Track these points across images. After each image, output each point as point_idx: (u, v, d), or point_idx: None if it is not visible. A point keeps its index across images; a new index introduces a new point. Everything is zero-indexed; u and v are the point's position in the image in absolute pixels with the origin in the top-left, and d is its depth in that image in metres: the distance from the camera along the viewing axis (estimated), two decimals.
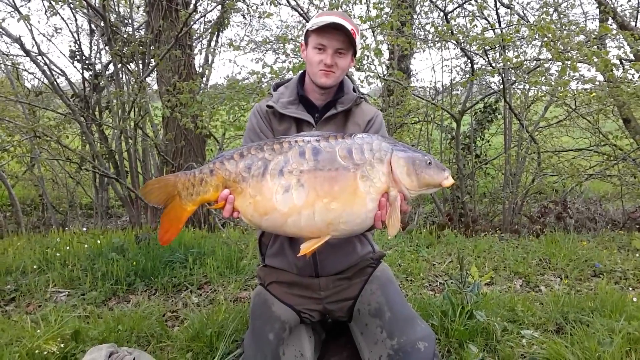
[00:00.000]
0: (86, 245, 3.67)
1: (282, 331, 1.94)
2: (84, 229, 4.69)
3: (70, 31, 6.50)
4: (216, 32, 6.84)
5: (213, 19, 6.69)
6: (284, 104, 2.00)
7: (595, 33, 4.76)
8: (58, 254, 3.53)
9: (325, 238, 1.58)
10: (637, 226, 5.84)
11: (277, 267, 2.08)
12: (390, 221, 1.57)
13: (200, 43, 7.02)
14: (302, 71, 2.09)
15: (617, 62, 4.90)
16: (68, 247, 3.66)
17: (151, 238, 3.82)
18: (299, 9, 5.17)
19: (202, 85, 6.15)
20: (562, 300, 2.92)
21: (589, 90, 5.12)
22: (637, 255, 4.14)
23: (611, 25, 5.89)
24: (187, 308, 2.96)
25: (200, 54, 6.76)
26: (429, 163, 1.61)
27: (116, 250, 3.56)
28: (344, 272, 2.04)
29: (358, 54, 2.43)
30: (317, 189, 1.54)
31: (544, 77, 4.33)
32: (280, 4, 5.49)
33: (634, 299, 2.91)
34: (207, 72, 6.22)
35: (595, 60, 3.53)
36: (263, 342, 1.93)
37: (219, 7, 5.94)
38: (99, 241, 3.75)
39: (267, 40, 6.76)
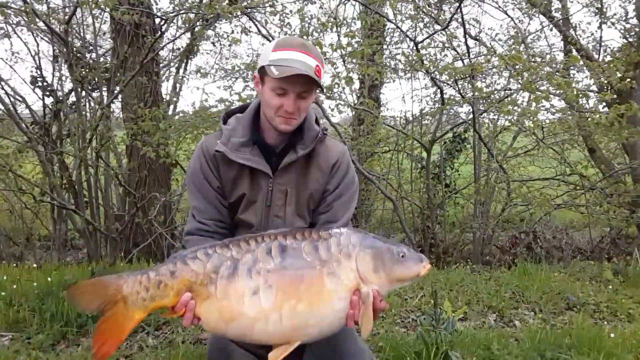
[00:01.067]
0: (35, 284, 3.41)
1: None
2: (34, 265, 4.41)
3: (32, 56, 6.25)
4: (185, 60, 6.72)
5: (182, 47, 6.58)
6: (236, 145, 1.69)
7: (563, 63, 4.82)
8: (3, 294, 3.26)
9: (295, 344, 1.40)
10: (606, 256, 5.86)
11: None
12: (363, 320, 1.39)
13: (168, 70, 6.89)
14: (257, 100, 1.78)
15: (588, 92, 4.96)
16: (15, 286, 3.39)
17: (107, 274, 3.58)
18: (270, 38, 5.11)
19: (170, 112, 5.98)
20: (538, 336, 2.82)
21: (556, 121, 5.16)
22: (610, 287, 4.10)
23: (578, 56, 6.01)
24: (143, 352, 2.74)
25: (168, 81, 6.62)
26: (402, 256, 1.44)
27: (68, 287, 3.30)
28: None
29: (327, 82, 2.27)
30: (284, 290, 1.37)
31: (515, 107, 4.33)
32: (250, 32, 5.42)
33: (612, 335, 2.83)
34: (174, 99, 6.07)
35: (565, 90, 3.54)
36: None
37: (189, 34, 5.84)
38: (49, 279, 3.49)
39: (236, 67, 6.67)
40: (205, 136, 1.82)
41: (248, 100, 4.94)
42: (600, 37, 6.80)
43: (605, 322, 3.36)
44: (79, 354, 2.60)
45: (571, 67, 5.79)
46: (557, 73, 4.07)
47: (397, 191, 6.95)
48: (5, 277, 3.64)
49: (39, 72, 6.24)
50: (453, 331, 2.64)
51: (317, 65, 1.58)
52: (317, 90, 1.75)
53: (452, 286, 4.00)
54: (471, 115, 5.47)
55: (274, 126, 1.66)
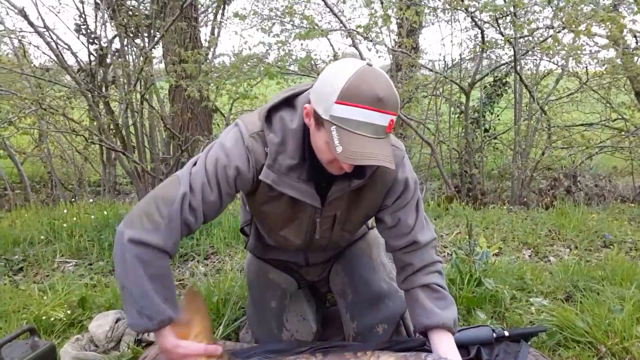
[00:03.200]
0: (93, 217, 3.67)
1: (284, 298, 1.92)
2: (91, 201, 4.69)
3: (75, 4, 6.40)
4: (222, 5, 6.75)
5: None
6: (284, 169, 1.43)
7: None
8: (65, 225, 3.53)
9: None
10: None
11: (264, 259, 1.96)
12: None
13: (206, 16, 6.95)
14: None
15: (630, 29, 4.76)
16: (75, 219, 3.66)
17: None
18: None
19: (209, 57, 6.09)
20: (572, 269, 2.88)
21: (602, 60, 5.00)
22: None
23: None
24: (194, 277, 2.96)
25: (206, 26, 6.68)
26: None
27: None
28: (329, 260, 1.95)
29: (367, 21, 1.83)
30: None
31: (556, 44, 4.22)
32: None
33: None
34: (213, 44, 6.15)
35: (610, 25, 3.43)
36: (266, 311, 1.92)
37: None
38: (105, 212, 3.75)
39: (273, 10, 6.65)
40: (244, 125, 1.47)
41: (285, 42, 4.98)
42: None
43: None
44: None
45: (620, 5, 5.54)
46: (603, 9, 3.93)
47: (435, 135, 6.94)
48: (65, 211, 3.92)
49: (82, 20, 6.41)
50: (487, 262, 2.73)
51: (391, 120, 1.30)
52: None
53: (488, 224, 4.06)
54: (512, 59, 5.37)
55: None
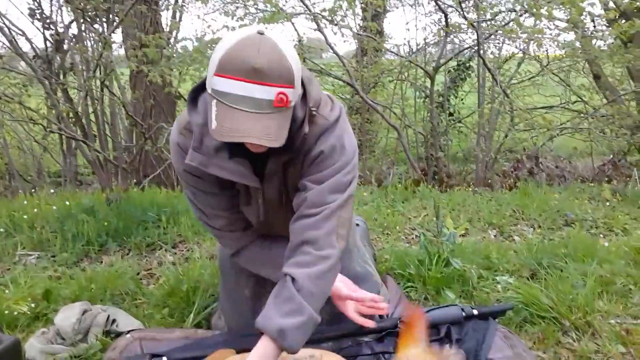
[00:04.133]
0: (54, 207, 3.56)
1: (258, 286, 1.87)
2: (52, 191, 4.55)
3: None
4: None
5: None
6: (211, 151, 1.37)
7: None
8: (26, 217, 3.41)
9: None
10: (606, 178, 5.97)
11: None
12: None
13: (167, 0, 6.77)
14: None
15: (589, 12, 4.89)
16: (36, 210, 3.54)
17: (122, 199, 3.73)
18: None
19: (171, 42, 5.94)
20: (536, 247, 2.96)
21: (562, 43, 5.12)
22: (607, 204, 4.23)
23: None
24: (162, 266, 2.91)
25: (167, 10, 6.52)
26: None
27: (86, 211, 3.45)
28: None
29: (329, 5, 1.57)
30: None
31: (518, 27, 4.29)
32: None
33: (605, 244, 2.98)
34: (174, 28, 6.01)
35: (570, 7, 3.51)
36: (239, 299, 1.89)
37: None
38: (67, 202, 3.64)
39: None
40: (176, 121, 1.49)
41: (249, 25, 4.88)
42: None
43: (602, 236, 3.50)
44: (102, 269, 2.76)
45: None
46: None
47: (401, 119, 7.00)
48: (25, 202, 3.79)
49: (37, 4, 6.15)
50: (454, 242, 2.78)
51: (280, 92, 1.18)
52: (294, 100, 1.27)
53: (454, 206, 4.13)
54: (476, 43, 5.44)
55: None
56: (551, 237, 3.42)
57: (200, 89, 1.39)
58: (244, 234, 1.62)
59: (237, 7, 5.74)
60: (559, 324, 2.14)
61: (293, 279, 1.35)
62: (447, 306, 1.94)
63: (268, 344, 1.31)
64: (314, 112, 1.38)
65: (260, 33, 1.19)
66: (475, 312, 1.87)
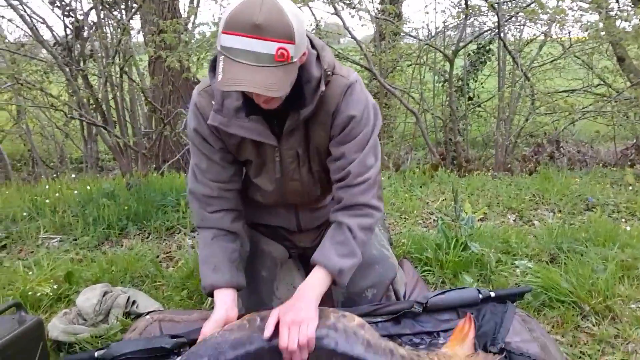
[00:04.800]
0: (76, 192, 3.62)
1: (274, 267, 1.91)
2: (73, 176, 4.62)
3: None
4: None
5: None
6: (231, 112, 1.48)
7: None
8: (48, 201, 3.48)
9: None
10: (629, 163, 5.85)
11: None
12: None
13: None
14: None
15: None
16: (58, 194, 3.61)
17: (142, 184, 3.77)
18: None
19: (189, 27, 5.95)
20: (556, 232, 2.92)
21: (585, 24, 4.99)
22: (630, 189, 4.15)
23: None
24: (182, 250, 2.95)
25: None
26: None
27: (107, 195, 3.51)
28: (322, 226, 1.92)
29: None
30: None
31: (540, 8, 4.19)
32: None
33: (627, 228, 2.93)
34: (192, 13, 6.01)
35: None
36: (256, 280, 1.91)
37: None
38: (89, 187, 3.70)
39: None
40: (198, 85, 1.58)
41: None
42: None
43: (624, 220, 3.43)
44: (122, 252, 2.81)
45: None
46: None
47: (420, 104, 6.93)
48: (47, 187, 3.86)
49: None
50: (472, 226, 2.76)
51: (281, 47, 1.24)
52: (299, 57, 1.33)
53: (473, 191, 4.09)
54: (496, 25, 5.33)
55: None
56: (572, 221, 3.37)
57: (215, 62, 1.44)
58: (217, 217, 1.64)
59: None
60: (578, 308, 2.11)
61: (349, 228, 1.54)
62: (462, 288, 1.92)
63: (323, 277, 1.51)
64: (329, 73, 1.46)
65: None
66: (492, 294, 1.85)
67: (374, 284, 1.83)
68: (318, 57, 1.46)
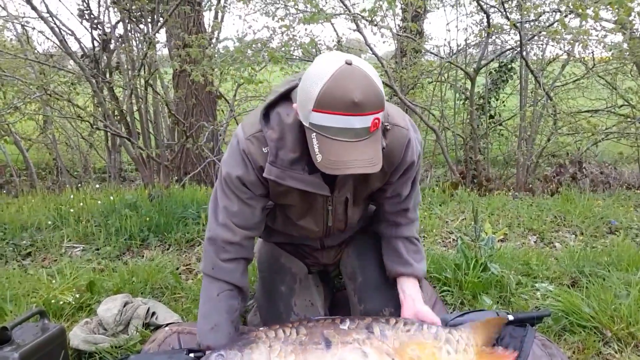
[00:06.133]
0: (99, 202, 3.69)
1: (293, 282, 1.94)
2: (97, 186, 4.71)
3: None
4: None
5: None
6: (286, 164, 1.46)
7: None
8: (72, 210, 3.55)
9: None
10: None
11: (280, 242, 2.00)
12: None
13: (209, 1, 6.90)
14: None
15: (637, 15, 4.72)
16: (82, 204, 3.68)
17: (164, 195, 3.82)
18: None
19: (213, 41, 6.06)
20: (578, 255, 2.88)
21: (609, 45, 4.95)
22: None
23: None
24: (201, 262, 2.97)
25: (210, 10, 6.65)
26: None
27: (129, 206, 3.56)
28: (343, 243, 1.99)
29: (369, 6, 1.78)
30: None
31: (563, 28, 4.18)
32: None
33: None
34: (217, 28, 6.13)
35: (617, 8, 3.40)
36: (275, 294, 1.93)
37: None
38: (112, 197, 3.76)
39: None
40: (242, 127, 1.55)
41: (289, 27, 4.94)
42: None
43: None
44: (143, 263, 2.84)
45: None
46: None
47: (440, 121, 6.92)
48: (72, 197, 3.94)
49: (85, 5, 6.37)
50: (492, 247, 2.74)
51: (375, 119, 1.26)
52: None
53: (493, 211, 4.06)
54: (518, 44, 5.33)
55: None
56: (594, 244, 3.32)
57: (271, 106, 1.49)
58: (230, 268, 1.61)
59: (278, 8, 5.80)
60: (600, 334, 2.07)
61: (415, 238, 1.79)
62: (481, 310, 1.91)
63: (415, 282, 1.73)
64: (388, 127, 1.48)
65: (349, 63, 1.25)
66: (511, 317, 1.83)
67: (391, 302, 1.84)
68: None
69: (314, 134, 1.26)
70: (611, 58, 5.85)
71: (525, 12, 4.61)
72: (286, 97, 1.49)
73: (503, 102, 7.92)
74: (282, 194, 1.59)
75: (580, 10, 3.66)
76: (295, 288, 1.93)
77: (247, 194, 1.56)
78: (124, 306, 2.15)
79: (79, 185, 6.66)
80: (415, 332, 1.49)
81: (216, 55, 4.82)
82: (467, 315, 1.81)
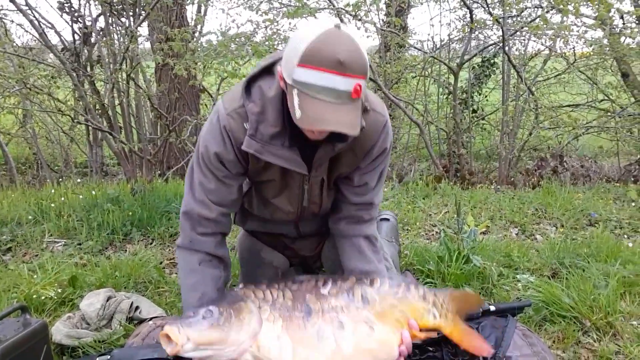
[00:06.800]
0: (81, 197, 3.65)
1: (275, 276, 1.94)
2: (78, 181, 4.65)
3: None
4: None
5: None
6: (266, 138, 1.44)
7: None
8: (53, 205, 3.50)
9: None
10: (633, 178, 5.85)
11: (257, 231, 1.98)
12: None
13: None
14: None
15: (617, 10, 4.78)
16: (63, 199, 3.63)
17: (146, 190, 3.79)
18: None
19: (196, 35, 6.01)
20: (558, 247, 2.93)
21: (589, 40, 5.03)
22: (633, 205, 4.16)
23: None
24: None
25: (193, 4, 6.58)
26: None
27: (111, 201, 3.53)
28: (321, 233, 1.96)
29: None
30: None
31: (544, 24, 4.23)
32: None
33: (630, 245, 2.93)
34: (199, 22, 6.07)
35: (597, 4, 3.45)
36: None
37: None
38: (93, 192, 3.72)
39: None
40: (223, 103, 1.52)
41: (273, 21, 4.93)
42: None
43: (626, 237, 3.44)
44: (126, 257, 2.82)
45: None
46: None
47: (424, 116, 6.96)
48: (53, 191, 3.88)
49: None
50: (475, 239, 2.77)
51: (357, 84, 1.24)
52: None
53: (476, 204, 4.10)
54: (501, 39, 5.38)
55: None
56: (574, 236, 3.37)
57: (253, 79, 1.47)
58: (207, 240, 1.61)
59: (261, 2, 5.77)
60: (579, 324, 2.12)
61: (377, 239, 1.76)
62: None
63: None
64: (368, 108, 1.48)
65: (337, 27, 1.25)
66: (492, 307, 1.86)
67: None
68: None
69: (296, 90, 1.24)
70: (592, 53, 5.93)
71: (507, 8, 4.64)
72: (269, 70, 1.47)
73: (486, 96, 7.99)
74: (261, 170, 1.57)
75: (561, 6, 3.70)
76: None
77: (223, 172, 1.54)
78: (107, 300, 2.13)
79: (60, 179, 6.58)
80: (404, 293, 1.46)
81: (199, 50, 4.78)
82: None
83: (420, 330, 1.45)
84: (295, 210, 1.72)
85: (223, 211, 1.60)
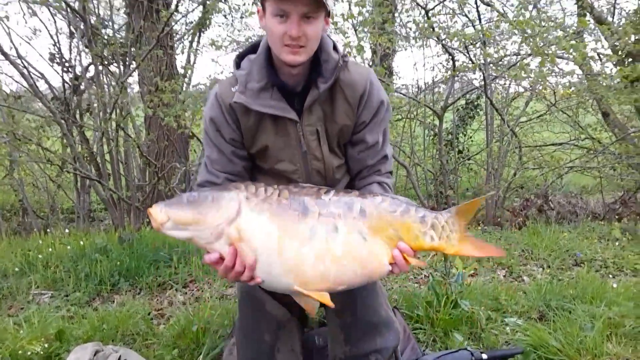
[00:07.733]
0: (69, 247, 3.64)
1: (278, 330, 1.87)
2: (66, 230, 4.63)
3: (50, 34, 6.37)
4: (198, 33, 6.79)
5: (195, 20, 6.65)
6: (255, 92, 1.58)
7: (574, 28, 4.83)
8: (40, 256, 3.49)
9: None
10: (617, 216, 5.94)
11: None
12: None
13: (182, 44, 6.97)
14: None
15: (595, 55, 4.98)
16: (50, 249, 3.62)
17: (134, 238, 3.79)
18: None
19: (185, 85, 6.11)
20: (545, 288, 2.96)
21: (567, 84, 5.20)
22: (617, 244, 4.22)
23: (589, 20, 5.97)
24: (173, 306, 2.95)
25: (182, 53, 6.72)
26: None
27: (99, 251, 3.52)
28: None
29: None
30: None
31: (523, 71, 4.38)
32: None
33: (614, 285, 2.97)
34: (189, 71, 6.18)
35: (573, 53, 3.60)
36: (259, 343, 1.86)
37: (201, 7, 5.91)
38: (82, 242, 3.71)
39: (250, 40, 6.74)
40: (217, 83, 1.71)
41: None
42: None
43: (611, 276, 3.48)
44: (114, 309, 2.80)
45: (584, 32, 5.77)
46: (566, 37, 4.10)
47: (410, 158, 7.06)
48: (40, 242, 3.87)
49: (57, 49, 6.37)
50: (463, 283, 2.79)
51: None
52: (327, 20, 1.57)
53: None
54: (483, 82, 5.54)
55: (282, 60, 1.52)
56: (560, 277, 3.42)
57: (242, 56, 1.66)
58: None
59: None
60: None
61: (390, 187, 1.76)
62: (456, 351, 1.95)
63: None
64: (347, 60, 1.63)
65: None
66: (484, 356, 1.88)
67: (380, 349, 1.83)
68: (335, 47, 1.63)
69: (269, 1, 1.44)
70: (572, 94, 6.10)
71: (486, 56, 4.81)
72: (254, 48, 1.65)
73: (470, 137, 8.14)
74: (256, 131, 1.64)
75: (539, 56, 3.85)
76: (280, 335, 1.87)
77: (220, 141, 1.66)
78: (95, 355, 2.11)
79: (47, 228, 6.52)
80: (402, 213, 1.45)
81: (189, 99, 4.86)
82: (443, 357, 1.84)
83: (415, 251, 1.45)
84: (298, 168, 1.70)
85: (231, 178, 1.68)
